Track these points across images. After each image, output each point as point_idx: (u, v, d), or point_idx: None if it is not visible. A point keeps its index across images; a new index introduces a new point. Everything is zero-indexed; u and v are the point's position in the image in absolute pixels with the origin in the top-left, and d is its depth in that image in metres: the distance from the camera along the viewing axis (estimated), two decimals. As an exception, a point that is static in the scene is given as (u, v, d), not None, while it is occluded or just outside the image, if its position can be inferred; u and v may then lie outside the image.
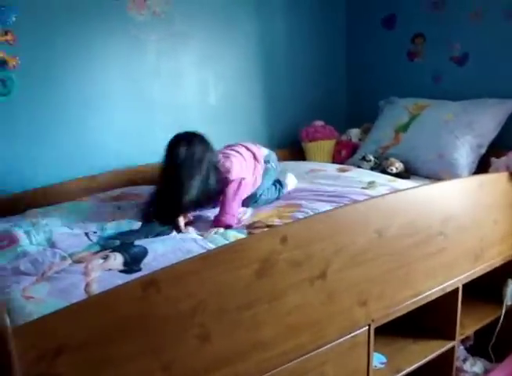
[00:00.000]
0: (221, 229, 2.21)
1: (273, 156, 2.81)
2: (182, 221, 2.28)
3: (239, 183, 2.40)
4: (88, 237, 2.11)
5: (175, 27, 3.06)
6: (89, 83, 2.80)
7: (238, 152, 2.58)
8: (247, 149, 2.66)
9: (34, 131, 2.67)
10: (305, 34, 3.70)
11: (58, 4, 2.65)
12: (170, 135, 3.08)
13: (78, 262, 1.84)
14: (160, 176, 2.35)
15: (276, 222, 2.19)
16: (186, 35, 3.12)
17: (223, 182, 2.38)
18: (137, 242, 1.99)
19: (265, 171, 2.67)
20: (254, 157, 2.65)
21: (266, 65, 3.53)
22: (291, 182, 2.72)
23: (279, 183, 2.67)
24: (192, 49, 3.18)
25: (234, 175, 2.42)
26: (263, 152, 2.75)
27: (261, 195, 2.57)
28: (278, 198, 2.59)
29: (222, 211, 2.30)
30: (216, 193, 2.38)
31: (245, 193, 2.45)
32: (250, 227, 2.19)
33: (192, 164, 2.26)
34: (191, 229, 2.27)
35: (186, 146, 2.27)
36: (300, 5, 3.64)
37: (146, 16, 2.93)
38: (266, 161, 2.71)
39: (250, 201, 2.53)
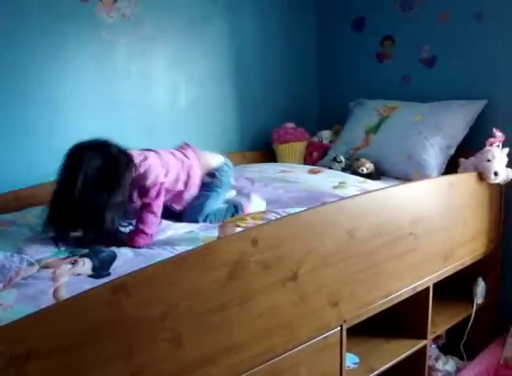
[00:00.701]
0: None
1: (226, 168, 2.50)
2: None
3: (158, 191, 2.15)
4: (56, 243, 2.07)
5: (145, 29, 3.04)
6: (58, 86, 2.76)
7: (157, 152, 2.32)
8: (184, 155, 2.42)
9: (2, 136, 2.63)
10: (276, 36, 3.71)
11: (27, 5, 2.61)
12: (141, 138, 3.08)
13: (46, 267, 1.81)
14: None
15: (249, 223, 2.18)
16: (156, 38, 3.10)
17: (139, 191, 2.15)
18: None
19: (211, 186, 2.42)
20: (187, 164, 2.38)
21: (237, 67, 3.52)
22: (256, 206, 2.43)
23: (235, 208, 2.39)
24: (163, 52, 3.16)
25: (150, 179, 2.14)
26: (212, 162, 2.48)
27: (206, 218, 2.32)
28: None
29: (139, 230, 2.04)
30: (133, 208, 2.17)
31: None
32: (222, 227, 2.17)
33: (100, 181, 1.96)
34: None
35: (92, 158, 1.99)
36: (270, 7, 3.64)
37: (115, 18, 2.91)
38: (212, 174, 2.43)
39: (186, 219, 2.32)
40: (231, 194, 2.60)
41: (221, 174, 2.45)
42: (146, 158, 2.18)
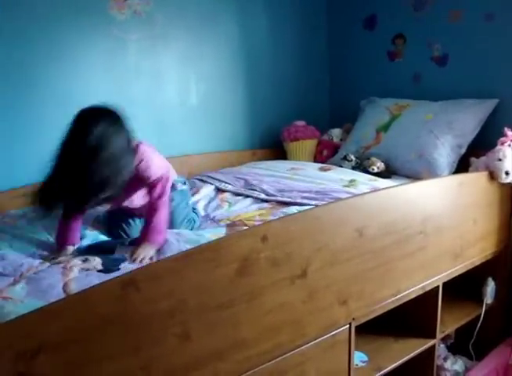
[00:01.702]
0: (151, 252, 1.96)
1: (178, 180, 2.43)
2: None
3: (165, 184, 2.13)
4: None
5: (156, 26, 3.05)
6: (69, 82, 2.78)
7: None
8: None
9: (9, 133, 2.64)
10: (287, 34, 3.71)
11: (38, 3, 2.63)
12: (151, 135, 3.08)
13: (57, 263, 1.82)
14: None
15: (257, 219, 2.19)
16: (167, 35, 3.11)
17: (140, 180, 2.11)
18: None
19: (176, 195, 2.35)
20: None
21: (248, 65, 3.53)
22: None
23: (194, 212, 2.39)
24: (174, 49, 3.17)
25: (154, 170, 2.11)
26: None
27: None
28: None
29: (154, 228, 2.02)
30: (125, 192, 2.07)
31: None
32: (231, 225, 2.18)
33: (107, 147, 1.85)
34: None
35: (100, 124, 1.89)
36: (280, 5, 3.64)
37: (126, 15, 2.92)
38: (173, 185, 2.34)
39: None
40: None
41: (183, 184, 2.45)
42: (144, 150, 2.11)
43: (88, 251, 2.00)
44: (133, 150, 2.00)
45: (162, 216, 2.07)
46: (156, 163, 2.13)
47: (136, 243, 2.01)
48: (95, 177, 1.80)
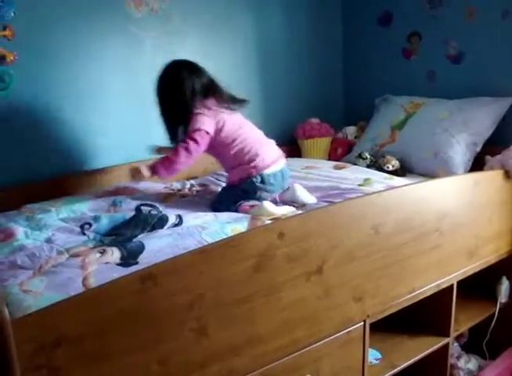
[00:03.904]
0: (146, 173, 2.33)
1: (272, 179, 2.46)
2: (144, 169, 2.34)
3: (203, 135, 2.36)
4: (83, 232, 2.11)
5: (173, 23, 3.07)
6: (87, 78, 2.80)
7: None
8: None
9: (31, 126, 2.67)
10: (302, 32, 3.71)
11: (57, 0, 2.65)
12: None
13: (75, 256, 1.84)
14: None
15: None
16: (183, 32, 3.12)
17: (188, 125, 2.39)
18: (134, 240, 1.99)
19: (242, 189, 2.43)
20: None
21: (263, 62, 3.54)
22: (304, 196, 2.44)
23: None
24: (189, 46, 3.17)
25: (200, 122, 2.37)
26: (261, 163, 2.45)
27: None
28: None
29: (167, 159, 2.36)
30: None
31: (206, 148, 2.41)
32: (254, 219, 2.17)
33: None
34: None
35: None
36: (296, 3, 3.64)
37: (143, 12, 2.94)
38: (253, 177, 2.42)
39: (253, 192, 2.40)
40: None
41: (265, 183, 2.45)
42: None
43: (109, 233, 2.09)
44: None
45: (176, 158, 2.33)
46: (202, 119, 2.37)
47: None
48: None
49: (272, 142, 2.55)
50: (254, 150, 2.41)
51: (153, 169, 2.36)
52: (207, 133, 2.36)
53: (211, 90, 2.46)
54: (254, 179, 2.39)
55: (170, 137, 2.51)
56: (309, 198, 2.42)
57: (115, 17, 2.85)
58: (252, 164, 2.39)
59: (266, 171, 2.40)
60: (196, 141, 2.34)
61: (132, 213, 2.25)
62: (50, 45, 2.66)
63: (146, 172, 2.34)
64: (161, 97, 2.45)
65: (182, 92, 2.38)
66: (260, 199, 2.37)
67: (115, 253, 1.82)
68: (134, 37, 2.94)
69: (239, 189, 2.40)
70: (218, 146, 2.44)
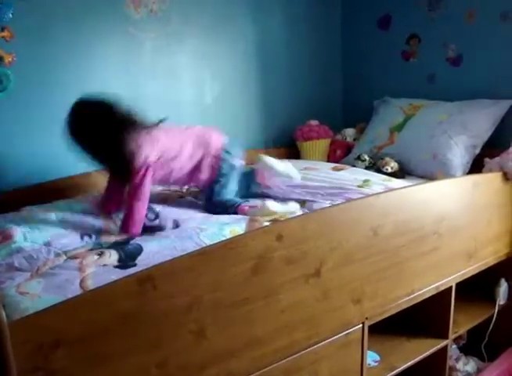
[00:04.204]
0: None
1: (233, 149, 2.46)
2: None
3: (146, 172, 2.18)
4: (81, 235, 2.11)
5: (172, 25, 3.06)
6: (86, 80, 2.79)
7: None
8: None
9: (30, 128, 2.66)
10: (301, 34, 3.71)
11: (56, 1, 2.65)
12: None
13: (73, 258, 1.84)
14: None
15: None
16: (183, 33, 3.12)
17: (127, 167, 2.18)
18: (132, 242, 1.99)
19: (221, 174, 2.40)
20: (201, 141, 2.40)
21: (262, 64, 3.54)
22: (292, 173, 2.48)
23: (246, 177, 2.46)
24: (189, 48, 3.18)
25: (142, 157, 2.18)
26: (215, 144, 2.43)
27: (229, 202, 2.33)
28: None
29: (128, 217, 2.14)
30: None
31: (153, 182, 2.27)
32: (252, 221, 2.17)
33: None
34: None
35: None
36: (296, 5, 3.64)
37: (142, 14, 2.94)
38: (219, 159, 2.40)
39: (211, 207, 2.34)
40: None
41: (227, 156, 2.43)
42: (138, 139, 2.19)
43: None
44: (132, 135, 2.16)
45: (141, 205, 2.16)
46: (144, 148, 2.19)
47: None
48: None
49: (199, 128, 2.52)
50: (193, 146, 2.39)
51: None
52: (149, 167, 2.22)
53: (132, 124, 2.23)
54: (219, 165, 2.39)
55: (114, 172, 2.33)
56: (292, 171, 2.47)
57: (114, 19, 2.84)
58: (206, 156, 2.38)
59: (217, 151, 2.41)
60: (142, 185, 2.19)
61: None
62: (48, 46, 2.66)
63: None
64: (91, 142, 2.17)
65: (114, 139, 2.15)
66: (233, 169, 2.40)
67: (113, 255, 1.82)
68: (133, 38, 2.94)
69: (219, 182, 2.39)
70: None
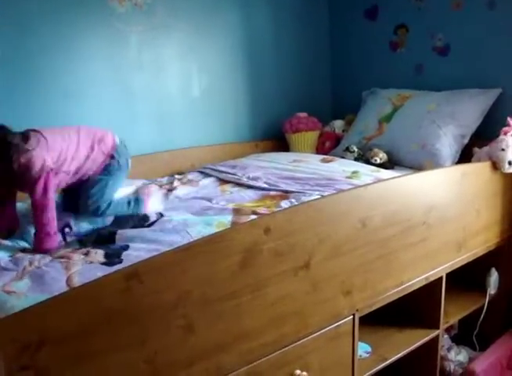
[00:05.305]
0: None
1: (122, 149, 2.30)
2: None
3: (47, 179, 1.98)
4: (64, 237, 2.08)
5: (157, 18, 3.04)
6: (70, 74, 2.77)
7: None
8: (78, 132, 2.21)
9: (13, 122, 2.63)
10: (289, 26, 3.69)
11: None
12: (153, 127, 3.08)
13: (59, 257, 1.82)
14: None
15: (263, 210, 2.18)
16: (169, 27, 3.10)
17: (25, 180, 1.98)
18: (117, 238, 1.97)
19: (109, 169, 2.23)
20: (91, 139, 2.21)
21: (250, 56, 3.52)
22: (154, 204, 2.32)
23: (135, 201, 2.27)
24: (175, 41, 3.16)
25: (37, 165, 1.97)
26: (110, 141, 2.26)
27: (104, 210, 2.16)
28: (132, 216, 2.21)
29: (40, 232, 1.96)
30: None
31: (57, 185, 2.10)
32: (238, 212, 2.17)
33: None
34: None
35: None
36: (283, -2, 3.63)
37: (127, 7, 2.91)
38: (112, 156, 2.24)
39: (84, 208, 2.16)
40: (130, 189, 2.54)
41: (119, 155, 2.27)
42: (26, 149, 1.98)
43: (86, 238, 2.04)
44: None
45: (50, 216, 1.99)
46: (37, 155, 1.99)
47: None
48: None
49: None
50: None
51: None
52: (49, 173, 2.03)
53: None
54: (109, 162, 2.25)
55: None
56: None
57: (98, 13, 2.82)
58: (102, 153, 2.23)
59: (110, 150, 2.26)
60: (47, 194, 2.00)
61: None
62: (32, 41, 2.63)
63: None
64: None
65: None
66: (121, 170, 2.28)
67: (99, 252, 1.81)
68: (118, 32, 2.91)
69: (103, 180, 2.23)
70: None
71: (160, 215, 2.19)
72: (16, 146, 1.94)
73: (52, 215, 1.98)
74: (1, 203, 2.13)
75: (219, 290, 1.57)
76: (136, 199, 2.29)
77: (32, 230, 2.01)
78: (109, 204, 2.18)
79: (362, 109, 3.53)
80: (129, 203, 2.25)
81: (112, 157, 2.23)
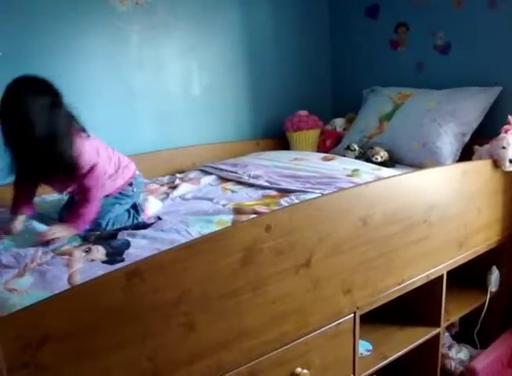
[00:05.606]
0: (66, 234, 1.97)
1: (140, 180, 2.38)
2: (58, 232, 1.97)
3: (98, 174, 2.08)
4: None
5: (158, 17, 3.04)
6: (71, 73, 2.77)
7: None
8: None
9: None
10: (289, 23, 3.69)
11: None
12: (153, 126, 3.08)
13: (60, 254, 1.83)
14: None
15: (263, 209, 2.18)
16: (169, 25, 3.10)
17: (70, 165, 1.99)
18: (119, 235, 1.99)
19: (122, 196, 2.28)
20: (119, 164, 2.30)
21: (250, 55, 3.52)
22: (153, 207, 2.36)
23: (134, 208, 2.29)
24: (176, 39, 3.16)
25: (86, 158, 2.04)
26: (132, 169, 2.36)
27: (105, 227, 2.16)
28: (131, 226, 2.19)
29: (81, 217, 2.03)
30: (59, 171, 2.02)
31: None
32: (238, 212, 2.18)
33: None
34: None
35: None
36: (284, -4, 3.63)
37: (128, 6, 2.91)
38: (130, 184, 2.31)
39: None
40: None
41: (136, 185, 2.34)
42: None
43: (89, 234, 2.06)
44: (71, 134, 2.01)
45: (93, 209, 2.06)
46: (89, 151, 2.07)
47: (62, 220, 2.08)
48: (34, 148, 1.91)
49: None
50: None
51: (70, 228, 2.02)
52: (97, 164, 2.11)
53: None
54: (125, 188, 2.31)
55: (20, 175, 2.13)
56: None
57: (99, 11, 2.82)
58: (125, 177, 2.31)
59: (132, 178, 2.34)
60: (97, 185, 2.09)
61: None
62: (33, 40, 2.63)
63: (62, 234, 1.98)
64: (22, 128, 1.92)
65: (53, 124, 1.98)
66: (133, 198, 2.32)
67: (100, 250, 1.81)
68: (119, 31, 2.92)
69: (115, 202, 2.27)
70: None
71: (159, 218, 2.19)
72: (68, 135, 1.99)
73: (96, 208, 2.08)
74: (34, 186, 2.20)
75: (220, 288, 1.57)
76: (134, 205, 2.31)
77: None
78: (110, 220, 2.19)
79: (362, 107, 3.53)
80: (128, 211, 2.27)
81: (130, 184, 2.31)
